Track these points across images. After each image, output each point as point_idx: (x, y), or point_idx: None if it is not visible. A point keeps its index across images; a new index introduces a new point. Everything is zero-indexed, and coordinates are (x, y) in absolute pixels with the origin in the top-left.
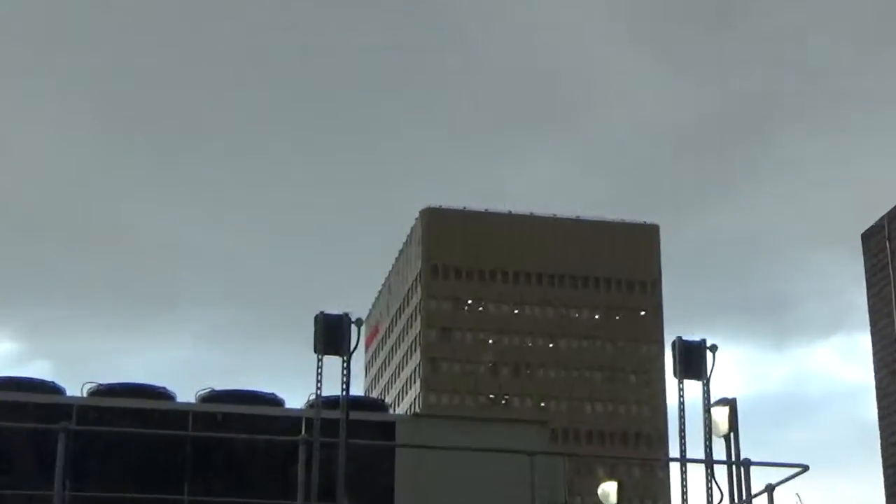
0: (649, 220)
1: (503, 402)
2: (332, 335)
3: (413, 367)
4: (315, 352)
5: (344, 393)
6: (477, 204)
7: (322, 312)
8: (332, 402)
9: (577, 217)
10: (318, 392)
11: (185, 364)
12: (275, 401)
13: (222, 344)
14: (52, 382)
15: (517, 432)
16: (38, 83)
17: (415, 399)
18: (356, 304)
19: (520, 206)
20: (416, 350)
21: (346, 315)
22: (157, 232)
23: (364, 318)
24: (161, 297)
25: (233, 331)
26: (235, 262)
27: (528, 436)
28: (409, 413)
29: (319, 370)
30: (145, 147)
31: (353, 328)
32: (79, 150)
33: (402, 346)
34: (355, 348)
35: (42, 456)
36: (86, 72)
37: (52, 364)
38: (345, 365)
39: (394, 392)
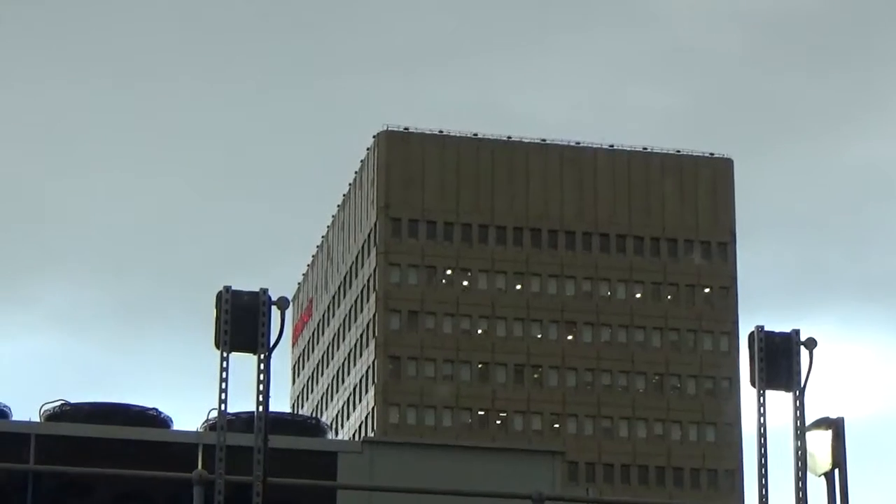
0: (719, 152)
1: (498, 421)
2: (242, 322)
3: (364, 370)
4: (217, 347)
5: (261, 408)
6: (460, 125)
7: (227, 288)
8: (242, 422)
9: (611, 146)
10: (222, 406)
11: (27, 365)
12: (157, 419)
13: (84, 335)
14: None
15: (518, 467)
16: None
17: (366, 417)
18: (279, 274)
19: (525, 130)
20: (368, 343)
21: (264, 292)
22: None
23: (291, 296)
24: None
25: (100, 316)
26: (106, 221)
27: (535, 472)
28: (356, 438)
29: (224, 374)
30: None
31: (275, 312)
32: None
33: (347, 338)
34: (277, 342)
35: None
36: None
37: None
38: (262, 367)
39: (335, 406)
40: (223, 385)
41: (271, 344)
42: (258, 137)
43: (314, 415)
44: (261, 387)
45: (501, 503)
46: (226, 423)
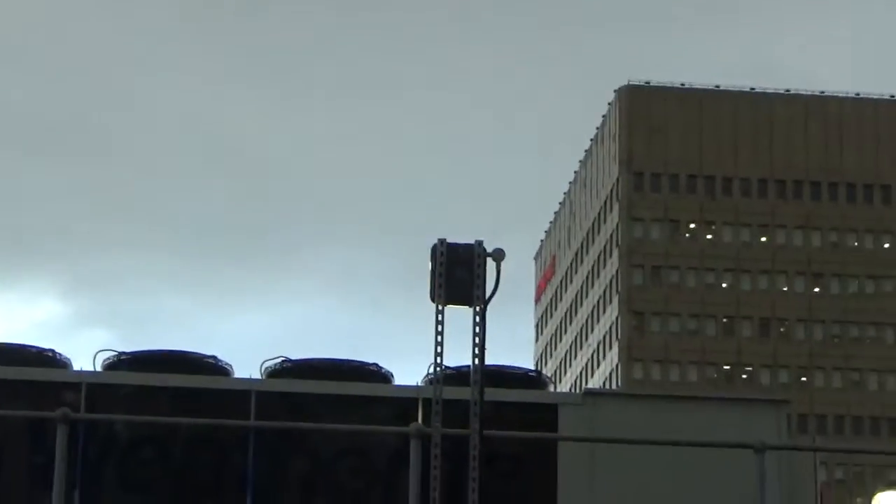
0: None
1: (744, 375)
2: (456, 274)
3: (608, 326)
4: (431, 300)
5: (476, 361)
6: (705, 78)
7: (442, 241)
8: (463, 377)
9: (857, 94)
10: (437, 362)
11: (280, 331)
12: (377, 374)
13: (336, 299)
14: (52, 351)
15: (740, 417)
16: None
17: (610, 373)
18: (523, 233)
19: (779, 81)
20: (611, 300)
21: (479, 243)
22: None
23: (534, 254)
24: (267, 240)
25: (355, 278)
26: (359, 184)
27: (758, 422)
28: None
29: (439, 327)
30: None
31: (490, 264)
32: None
33: (590, 295)
34: (493, 294)
35: (37, 454)
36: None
37: (109, 332)
38: (477, 319)
39: (579, 363)
40: (438, 338)
41: (487, 296)
42: (501, 94)
43: (558, 372)
44: (476, 339)
45: (723, 453)
46: (442, 376)
